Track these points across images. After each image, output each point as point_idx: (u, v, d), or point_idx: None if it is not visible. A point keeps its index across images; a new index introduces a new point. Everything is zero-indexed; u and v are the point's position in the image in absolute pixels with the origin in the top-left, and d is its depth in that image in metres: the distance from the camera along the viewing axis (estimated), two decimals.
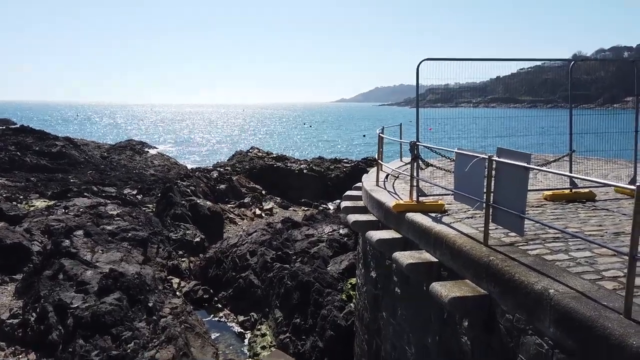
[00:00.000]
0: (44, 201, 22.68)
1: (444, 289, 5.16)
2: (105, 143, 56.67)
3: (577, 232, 5.79)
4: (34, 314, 11.70)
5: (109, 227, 16.58)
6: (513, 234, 5.61)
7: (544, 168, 5.89)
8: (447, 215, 6.90)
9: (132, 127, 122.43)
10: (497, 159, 5.28)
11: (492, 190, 5.35)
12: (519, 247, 5.30)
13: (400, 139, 10.70)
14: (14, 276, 14.58)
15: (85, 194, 23.43)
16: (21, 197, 23.55)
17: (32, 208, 21.05)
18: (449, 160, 8.96)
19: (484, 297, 4.95)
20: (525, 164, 4.82)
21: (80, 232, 15.40)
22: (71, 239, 14.74)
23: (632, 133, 8.27)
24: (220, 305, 14.70)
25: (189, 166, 41.03)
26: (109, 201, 21.55)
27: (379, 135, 10.14)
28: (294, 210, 26.02)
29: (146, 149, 51.17)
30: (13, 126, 49.86)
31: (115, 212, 18.91)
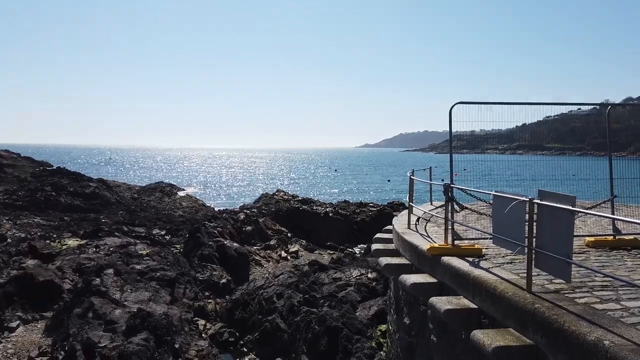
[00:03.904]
0: (76, 240, 23.14)
1: (487, 338, 4.95)
2: (135, 185, 58.16)
3: (629, 280, 5.54)
4: (62, 352, 11.66)
5: (138, 267, 16.69)
6: (557, 280, 5.41)
7: (592, 211, 5.72)
8: (485, 259, 6.72)
9: (163, 169, 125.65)
10: (539, 201, 5.18)
11: (534, 234, 5.21)
12: (565, 295, 5.09)
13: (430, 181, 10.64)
14: (44, 314, 14.72)
15: (116, 233, 23.86)
16: (54, 235, 24.15)
17: (64, 247, 21.47)
18: (485, 203, 8.82)
19: (530, 348, 4.72)
20: (571, 207, 4.70)
21: (110, 271, 15.54)
22: (101, 277, 14.86)
23: None
24: (245, 349, 14.38)
25: (216, 208, 41.49)
26: (138, 241, 21.87)
27: (410, 178, 10.11)
28: (319, 253, 25.78)
29: (175, 191, 52.14)
30: (50, 168, 51.83)
31: (144, 252, 19.12)
